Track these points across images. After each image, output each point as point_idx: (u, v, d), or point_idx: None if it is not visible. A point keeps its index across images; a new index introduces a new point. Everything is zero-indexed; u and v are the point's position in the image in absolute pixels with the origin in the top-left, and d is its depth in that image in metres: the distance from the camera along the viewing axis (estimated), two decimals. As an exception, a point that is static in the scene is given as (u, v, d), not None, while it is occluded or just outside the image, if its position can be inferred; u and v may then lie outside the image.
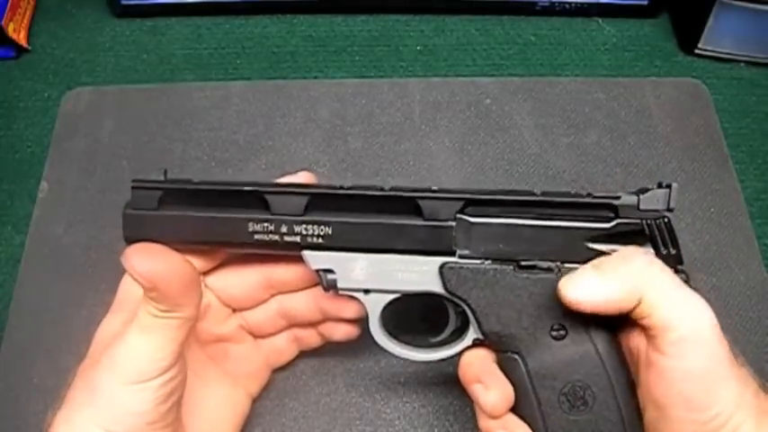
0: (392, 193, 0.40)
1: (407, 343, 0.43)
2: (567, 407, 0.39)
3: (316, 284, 0.44)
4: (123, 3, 0.69)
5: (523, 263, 0.39)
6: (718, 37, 0.65)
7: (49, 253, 0.55)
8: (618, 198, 0.39)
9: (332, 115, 0.62)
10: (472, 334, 0.41)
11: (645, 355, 0.37)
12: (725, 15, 0.64)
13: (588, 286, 0.37)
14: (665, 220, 0.39)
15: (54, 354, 0.51)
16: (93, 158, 0.60)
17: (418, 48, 0.68)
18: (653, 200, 0.39)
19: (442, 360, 0.42)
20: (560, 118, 0.62)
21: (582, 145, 0.61)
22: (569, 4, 0.69)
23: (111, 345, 0.38)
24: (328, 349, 0.49)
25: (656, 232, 0.39)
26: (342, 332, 0.46)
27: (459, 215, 0.40)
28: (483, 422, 0.40)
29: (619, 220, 0.39)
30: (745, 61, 0.67)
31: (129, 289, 0.40)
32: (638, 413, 0.38)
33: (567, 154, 0.61)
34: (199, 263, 0.42)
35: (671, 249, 0.39)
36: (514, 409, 0.40)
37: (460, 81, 0.65)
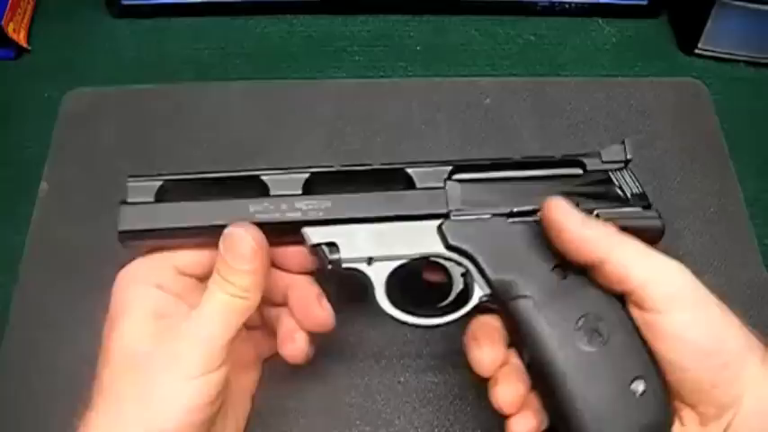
0: (385, 166, 0.43)
1: (414, 313, 0.44)
2: (586, 340, 0.39)
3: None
4: (123, 3, 0.69)
5: (514, 209, 0.42)
6: (718, 37, 0.65)
7: (49, 253, 0.55)
8: (585, 155, 0.44)
9: (332, 115, 0.62)
10: (478, 292, 0.42)
11: (641, 322, 0.38)
12: (725, 15, 0.64)
13: (569, 214, 0.39)
14: (627, 168, 0.45)
15: (54, 354, 0.51)
16: (93, 158, 0.60)
17: (418, 48, 0.68)
18: (611, 153, 0.45)
19: (450, 323, 0.43)
20: (560, 118, 0.62)
21: (582, 145, 0.61)
22: (569, 4, 0.69)
23: (167, 342, 0.38)
24: (328, 349, 0.49)
25: (620, 176, 0.44)
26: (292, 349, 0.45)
27: (448, 180, 0.43)
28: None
29: (587, 170, 0.44)
30: (745, 61, 0.67)
31: (127, 292, 0.40)
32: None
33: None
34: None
35: (634, 189, 0.44)
36: (532, 357, 0.40)
37: (460, 81, 0.65)
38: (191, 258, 0.42)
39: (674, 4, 0.69)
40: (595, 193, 0.44)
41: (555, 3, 0.69)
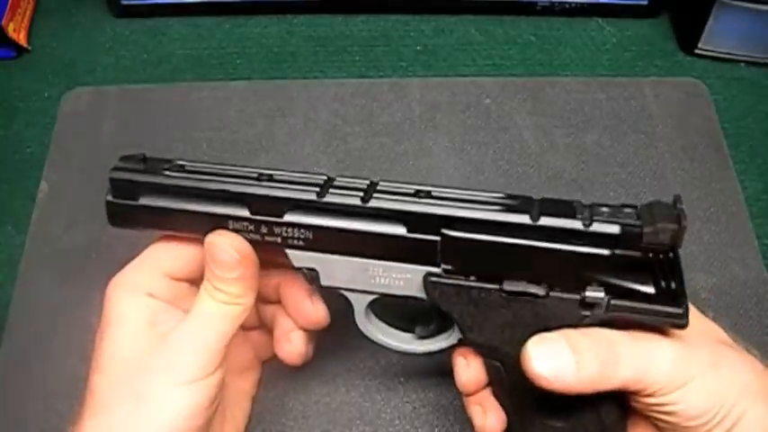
0: (375, 205, 0.38)
1: (396, 328, 0.43)
2: (548, 414, 0.39)
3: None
4: (123, 3, 0.69)
5: (509, 287, 0.37)
6: (718, 37, 0.65)
7: (49, 253, 0.55)
8: (617, 227, 0.35)
9: (332, 115, 0.62)
10: (458, 334, 0.41)
11: (632, 398, 0.37)
12: (725, 15, 0.64)
13: (559, 360, 0.35)
14: (670, 254, 0.35)
15: (54, 354, 0.51)
16: (94, 158, 0.60)
17: (418, 48, 0.68)
18: (657, 235, 0.35)
19: (429, 353, 0.42)
20: (560, 118, 0.62)
21: (582, 145, 0.61)
22: (569, 4, 0.69)
23: (160, 348, 0.38)
24: (328, 349, 0.49)
25: (657, 267, 0.36)
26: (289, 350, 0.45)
27: (444, 231, 0.37)
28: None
29: (618, 251, 0.36)
30: (745, 61, 0.67)
31: (118, 301, 0.40)
32: (621, 424, 0.38)
33: (567, 154, 0.61)
34: None
35: (671, 284, 0.36)
36: (502, 405, 0.40)
37: (460, 81, 0.65)
38: (180, 263, 0.41)
39: (674, 4, 0.69)
40: (618, 283, 0.36)
41: (555, 3, 0.69)
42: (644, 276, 0.36)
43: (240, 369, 0.46)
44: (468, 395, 0.41)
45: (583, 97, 0.64)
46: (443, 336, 0.42)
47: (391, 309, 0.43)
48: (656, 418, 0.37)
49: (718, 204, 0.58)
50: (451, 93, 0.64)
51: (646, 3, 0.69)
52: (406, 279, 0.39)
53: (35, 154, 0.61)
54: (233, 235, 0.39)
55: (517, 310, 0.37)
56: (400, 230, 0.38)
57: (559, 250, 0.36)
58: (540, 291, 0.37)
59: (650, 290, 0.36)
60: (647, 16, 0.70)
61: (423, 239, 0.38)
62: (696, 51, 0.67)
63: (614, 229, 0.35)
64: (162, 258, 0.41)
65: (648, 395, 0.35)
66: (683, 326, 0.35)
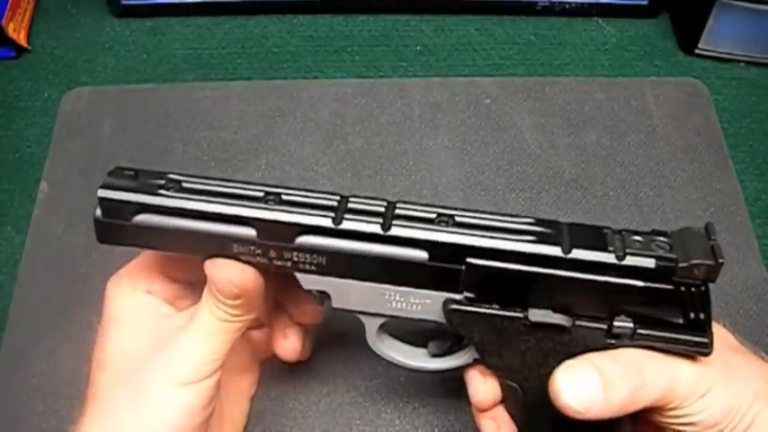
0: (396, 233, 0.35)
1: (408, 343, 0.42)
2: None
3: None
4: (123, 3, 0.69)
5: (534, 318, 0.36)
6: (718, 37, 0.65)
7: (49, 253, 0.55)
8: (652, 260, 0.34)
9: (332, 115, 0.62)
10: (474, 353, 0.39)
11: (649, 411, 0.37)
12: (725, 15, 0.64)
13: (588, 391, 0.35)
14: (701, 288, 0.34)
15: (54, 354, 0.51)
16: (93, 158, 0.60)
17: (418, 48, 0.68)
18: (692, 270, 0.34)
19: (442, 371, 0.41)
20: (560, 118, 0.62)
21: (582, 145, 0.61)
22: (569, 4, 0.69)
23: (160, 348, 0.38)
24: (328, 349, 0.49)
25: (687, 299, 0.35)
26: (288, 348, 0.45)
27: (469, 260, 0.35)
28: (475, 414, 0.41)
29: (649, 284, 0.34)
30: (745, 61, 0.67)
31: (118, 299, 0.40)
32: None
33: (567, 154, 0.61)
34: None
35: (700, 315, 0.35)
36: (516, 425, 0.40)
37: (460, 81, 0.65)
38: (180, 264, 0.41)
39: (674, 4, 0.69)
40: (646, 313, 0.35)
41: (555, 3, 0.69)
42: (673, 308, 0.35)
43: (238, 369, 0.46)
44: (482, 411, 0.41)
45: (583, 97, 0.64)
46: (458, 355, 0.41)
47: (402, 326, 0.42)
48: (674, 431, 0.37)
49: (718, 204, 0.58)
50: (451, 93, 0.64)
51: (646, 3, 0.69)
52: (424, 305, 0.38)
53: (35, 154, 0.61)
54: (234, 266, 0.37)
55: (540, 338, 0.36)
56: (422, 257, 0.36)
57: (590, 281, 0.35)
58: (565, 322, 0.36)
59: (678, 320, 0.35)
60: (647, 16, 0.70)
61: (445, 268, 0.36)
62: (696, 51, 0.67)
63: (649, 263, 0.34)
64: (161, 258, 0.41)
65: (671, 409, 0.35)
66: (708, 354, 0.35)
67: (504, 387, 0.39)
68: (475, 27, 0.69)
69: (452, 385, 0.50)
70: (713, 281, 0.34)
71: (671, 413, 0.36)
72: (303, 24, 0.70)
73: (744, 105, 0.65)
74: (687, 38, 0.67)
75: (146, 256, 0.41)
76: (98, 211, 0.37)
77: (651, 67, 0.67)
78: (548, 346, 0.36)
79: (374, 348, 0.41)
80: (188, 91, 0.64)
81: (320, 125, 0.62)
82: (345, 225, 0.36)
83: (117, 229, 0.37)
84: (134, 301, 0.39)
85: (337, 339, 0.50)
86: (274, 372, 0.49)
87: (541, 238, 0.35)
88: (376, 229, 0.35)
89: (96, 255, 0.55)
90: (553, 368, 0.36)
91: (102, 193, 0.36)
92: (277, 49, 0.68)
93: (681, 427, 0.36)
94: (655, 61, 0.67)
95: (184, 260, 0.40)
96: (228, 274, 0.37)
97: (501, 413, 0.41)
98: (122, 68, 0.67)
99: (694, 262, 0.33)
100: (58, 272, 0.54)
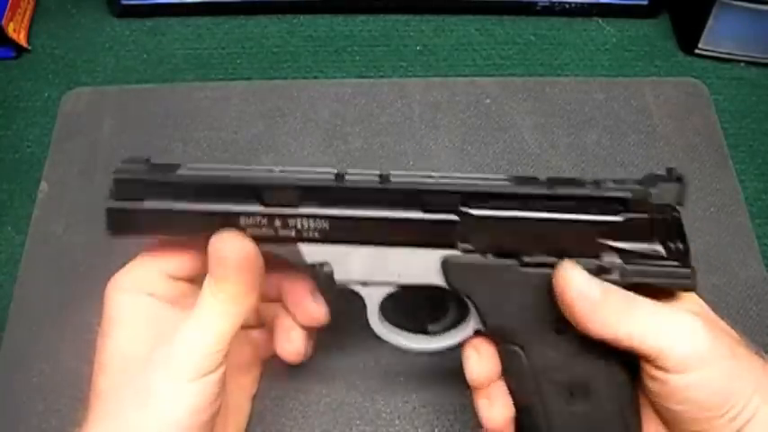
0: (391, 186, 0.38)
1: (407, 330, 0.43)
2: (567, 398, 0.39)
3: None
4: (123, 3, 0.69)
5: (527, 259, 0.39)
6: (718, 37, 0.66)
7: (49, 253, 0.55)
8: (628, 192, 0.38)
9: (332, 115, 0.62)
10: (473, 324, 0.41)
11: (648, 379, 0.37)
12: (725, 15, 0.64)
13: (581, 294, 0.37)
14: (674, 215, 0.38)
15: (54, 354, 0.51)
16: (93, 158, 0.60)
17: (418, 48, 0.68)
18: (663, 194, 0.38)
19: (443, 350, 0.42)
20: (560, 118, 0.63)
21: (582, 145, 0.61)
22: (569, 4, 0.69)
23: (163, 345, 0.38)
24: (328, 349, 0.49)
25: (663, 227, 0.38)
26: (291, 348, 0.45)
27: (461, 208, 0.39)
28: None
29: (628, 215, 0.38)
30: (745, 61, 0.67)
31: (118, 301, 0.40)
32: (635, 409, 0.39)
33: (567, 154, 0.61)
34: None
35: (679, 245, 0.38)
36: (515, 398, 0.40)
37: (460, 81, 0.65)
38: (180, 262, 0.41)
39: (674, 4, 0.69)
40: (629, 247, 0.38)
41: (555, 3, 0.69)
42: (653, 241, 0.38)
43: (241, 368, 0.46)
44: (478, 389, 0.41)
45: (583, 97, 0.64)
46: (457, 329, 0.42)
47: (401, 311, 0.43)
48: (668, 409, 0.37)
49: (718, 204, 0.58)
50: (451, 93, 0.64)
51: (646, 3, 0.69)
52: (423, 265, 0.39)
53: (35, 154, 0.61)
54: (238, 235, 0.39)
55: (535, 285, 0.39)
56: (417, 213, 0.39)
57: (575, 220, 0.38)
58: (557, 261, 0.38)
59: (660, 252, 0.38)
60: (647, 16, 0.70)
61: (440, 220, 0.39)
62: (696, 51, 0.67)
63: (625, 193, 0.38)
64: (162, 257, 0.41)
65: (666, 370, 0.35)
66: (692, 287, 0.38)
67: (504, 357, 0.40)
68: (475, 27, 0.70)
69: (452, 386, 0.50)
70: (682, 203, 0.38)
71: (667, 376, 0.36)
72: (303, 24, 0.70)
73: (744, 105, 0.65)
74: (687, 38, 0.67)
75: (145, 256, 0.41)
76: (110, 200, 0.39)
77: (651, 67, 0.67)
78: (544, 295, 0.38)
79: (375, 329, 0.42)
80: (188, 91, 0.64)
81: (320, 125, 0.62)
82: (347, 183, 0.38)
83: (128, 216, 0.39)
84: (134, 302, 0.39)
85: (337, 339, 0.50)
86: (275, 372, 0.49)
87: (527, 182, 0.39)
88: (375, 181, 0.39)
89: (96, 255, 0.55)
90: (551, 320, 0.38)
91: (116, 175, 0.39)
92: (277, 49, 0.68)
93: (676, 406, 0.36)
94: (655, 61, 0.67)
95: (185, 256, 0.41)
96: (234, 240, 0.38)
97: (495, 390, 0.41)
98: (122, 68, 0.67)
99: (664, 186, 0.38)
100: (58, 272, 0.54)
